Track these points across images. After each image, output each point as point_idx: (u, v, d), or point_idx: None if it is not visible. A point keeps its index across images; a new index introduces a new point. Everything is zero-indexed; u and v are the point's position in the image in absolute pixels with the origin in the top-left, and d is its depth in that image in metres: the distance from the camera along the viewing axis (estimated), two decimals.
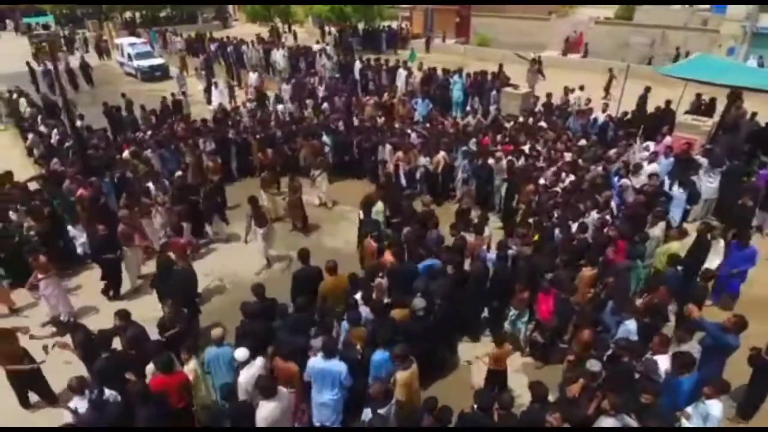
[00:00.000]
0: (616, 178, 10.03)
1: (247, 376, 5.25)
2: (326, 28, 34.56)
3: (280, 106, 16.10)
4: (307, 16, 35.29)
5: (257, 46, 23.72)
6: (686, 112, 13.24)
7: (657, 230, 8.07)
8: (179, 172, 10.81)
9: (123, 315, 6.13)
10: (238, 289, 8.55)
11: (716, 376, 5.29)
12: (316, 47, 26.07)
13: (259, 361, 5.42)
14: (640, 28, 26.31)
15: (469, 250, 7.96)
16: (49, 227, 9.09)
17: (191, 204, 9.79)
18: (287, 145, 13.21)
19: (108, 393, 5.22)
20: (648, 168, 10.22)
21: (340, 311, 6.37)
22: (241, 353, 5.37)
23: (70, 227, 9.41)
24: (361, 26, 33.40)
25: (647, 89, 14.15)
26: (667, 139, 11.47)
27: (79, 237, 9.47)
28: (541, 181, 10.08)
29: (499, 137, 12.46)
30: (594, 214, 8.71)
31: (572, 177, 9.84)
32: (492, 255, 7.60)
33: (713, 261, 7.80)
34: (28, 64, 22.72)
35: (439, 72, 17.74)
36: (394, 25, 35.32)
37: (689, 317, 5.85)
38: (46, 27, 30.06)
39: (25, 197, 9.64)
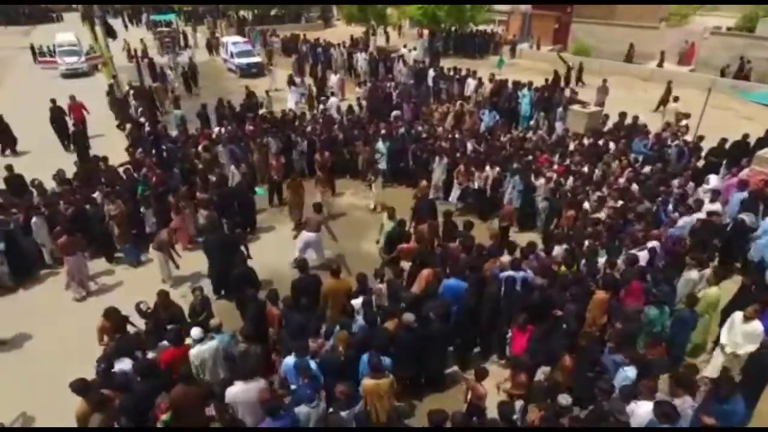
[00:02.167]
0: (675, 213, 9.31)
1: (196, 352, 6.06)
2: (419, 31, 35.00)
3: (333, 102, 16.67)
4: (400, 19, 35.82)
5: (342, 49, 24.71)
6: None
7: (693, 273, 7.45)
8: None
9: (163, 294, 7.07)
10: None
11: None
12: (403, 51, 26.63)
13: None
14: (761, 41, 23.53)
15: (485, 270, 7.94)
16: (131, 210, 10.44)
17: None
18: (346, 148, 13.79)
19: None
20: (708, 206, 9.36)
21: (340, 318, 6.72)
22: (196, 332, 6.10)
23: (142, 209, 10.70)
24: (453, 30, 33.39)
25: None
26: (744, 172, 10.38)
27: (149, 218, 10.74)
28: (586, 205, 9.66)
29: (557, 157, 12.04)
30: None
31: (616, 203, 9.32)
32: (505, 274, 7.52)
33: None
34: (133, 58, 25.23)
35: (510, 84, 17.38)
36: (490, 29, 34.81)
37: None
38: (168, 24, 33.58)
39: (115, 180, 11.17)
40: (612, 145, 12.45)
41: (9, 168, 11.49)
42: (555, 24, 33.11)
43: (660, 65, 24.25)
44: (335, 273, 7.37)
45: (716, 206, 9.39)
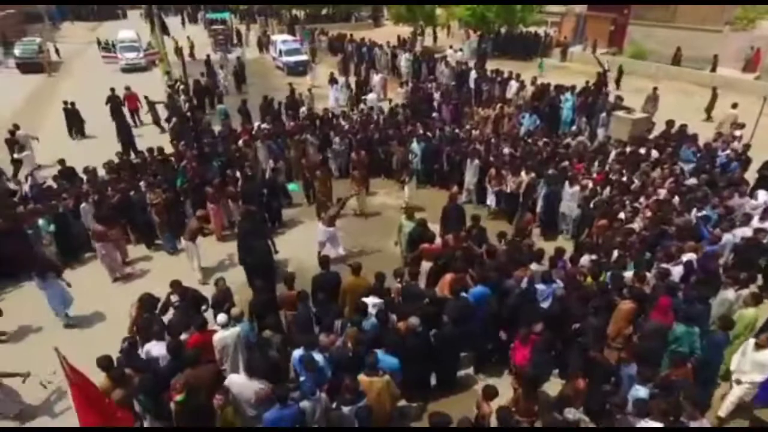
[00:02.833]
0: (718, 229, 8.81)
1: (220, 337, 6.28)
2: (467, 32, 34.66)
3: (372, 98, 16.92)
4: (448, 20, 35.59)
5: (386, 49, 24.82)
6: None
7: (729, 293, 7.05)
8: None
9: (177, 284, 7.36)
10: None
11: None
12: (448, 52, 26.47)
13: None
14: None
15: (515, 279, 7.81)
16: (171, 200, 10.96)
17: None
18: (381, 147, 13.89)
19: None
20: (756, 223, 8.81)
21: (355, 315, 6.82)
22: (222, 318, 6.37)
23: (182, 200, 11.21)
24: (502, 32, 32.86)
25: None
26: None
27: (188, 209, 11.24)
28: (621, 215, 9.32)
29: (596, 164, 11.66)
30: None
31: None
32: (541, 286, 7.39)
33: None
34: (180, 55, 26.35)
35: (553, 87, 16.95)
36: (542, 31, 34.01)
37: None
38: (223, 22, 34.73)
39: (161, 170, 11.76)
40: (655, 153, 11.92)
41: (62, 162, 12.30)
42: (611, 26, 31.93)
43: (713, 70, 22.95)
44: (355, 270, 7.50)
45: (766, 224, 8.82)
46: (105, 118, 16.93)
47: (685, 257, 7.94)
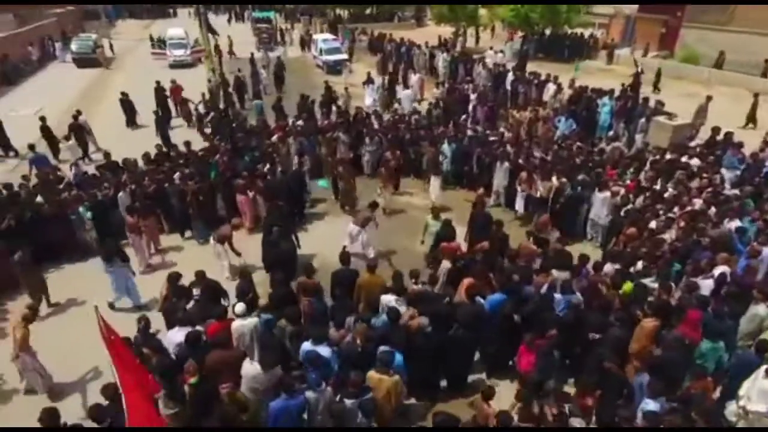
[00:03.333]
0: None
1: (237, 326, 6.45)
2: (510, 33, 34.12)
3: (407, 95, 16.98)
4: (491, 20, 35.11)
5: (424, 50, 24.78)
6: None
7: (761, 309, 6.70)
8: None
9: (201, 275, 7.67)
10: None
11: None
12: (489, 53, 26.18)
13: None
14: None
15: (535, 285, 7.70)
16: (204, 192, 11.35)
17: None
18: (412, 148, 13.91)
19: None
20: None
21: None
22: (240, 308, 6.55)
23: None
24: (547, 33, 32.17)
25: None
26: None
27: (220, 201, 11.61)
28: (652, 224, 8.99)
29: (630, 171, 11.28)
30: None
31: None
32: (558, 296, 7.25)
33: None
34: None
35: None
36: (588, 32, 33.10)
37: None
38: (268, 21, 35.59)
39: (195, 163, 12.20)
40: (696, 161, 11.42)
41: (107, 155, 12.91)
42: (662, 28, 30.75)
43: (763, 75, 21.71)
44: (371, 268, 7.57)
45: None
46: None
47: (718, 270, 7.60)
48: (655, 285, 7.23)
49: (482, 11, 34.94)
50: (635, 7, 32.51)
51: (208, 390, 5.72)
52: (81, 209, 10.25)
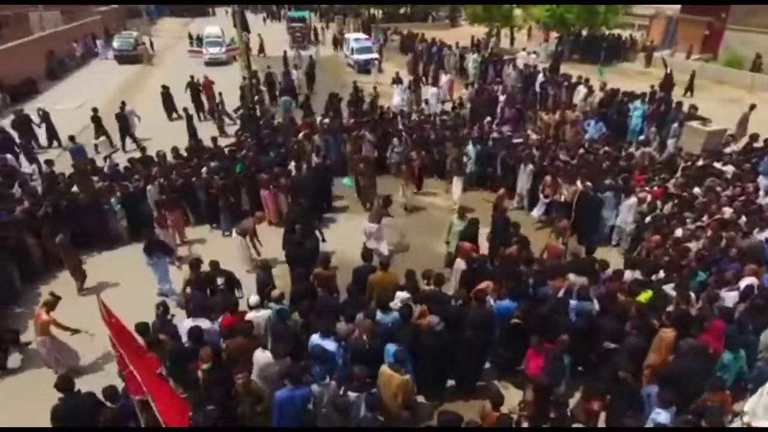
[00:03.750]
0: None
1: (251, 318, 6.63)
2: (545, 34, 33.58)
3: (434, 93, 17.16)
4: (525, 21, 34.59)
5: (455, 50, 24.66)
6: None
7: None
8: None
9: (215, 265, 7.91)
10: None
11: None
12: (521, 54, 25.83)
13: None
14: None
15: (552, 289, 7.61)
16: (230, 185, 11.66)
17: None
18: (437, 148, 13.89)
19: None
20: None
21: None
22: (254, 299, 6.78)
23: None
24: (583, 34, 31.49)
25: None
26: None
27: (244, 196, 11.88)
28: (678, 232, 8.73)
29: (659, 177, 10.98)
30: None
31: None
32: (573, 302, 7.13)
33: None
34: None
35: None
36: (627, 34, 32.23)
37: None
38: (302, 20, 36.11)
39: (222, 157, 12.54)
40: (730, 168, 11.01)
41: (143, 149, 13.40)
42: (705, 30, 29.69)
43: None
44: (384, 266, 7.63)
45: None
46: (190, 104, 18.61)
47: (744, 282, 7.33)
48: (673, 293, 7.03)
49: (517, 11, 34.47)
50: (677, 7, 31.49)
51: (221, 376, 5.91)
52: (113, 200, 10.68)
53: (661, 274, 7.84)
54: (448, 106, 18.44)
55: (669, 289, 7.32)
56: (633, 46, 30.38)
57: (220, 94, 18.50)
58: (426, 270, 7.59)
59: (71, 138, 14.15)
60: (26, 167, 13.37)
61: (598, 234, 10.68)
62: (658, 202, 9.89)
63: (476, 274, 7.86)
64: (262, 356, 5.94)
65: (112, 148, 15.41)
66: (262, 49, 30.96)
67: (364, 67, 26.63)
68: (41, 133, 16.36)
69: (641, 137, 13.68)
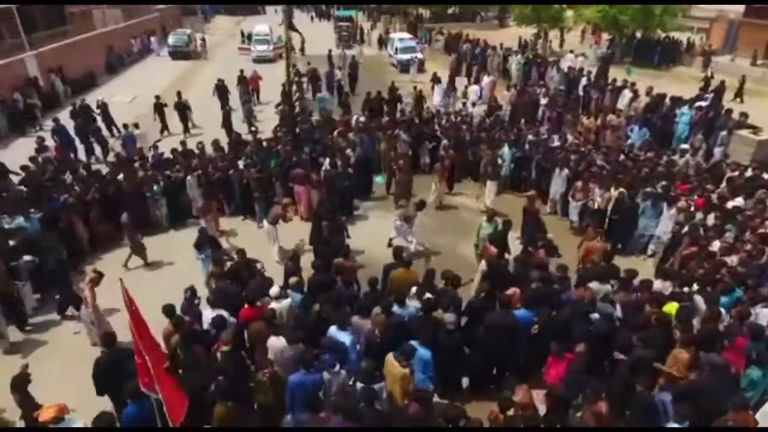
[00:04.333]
0: None
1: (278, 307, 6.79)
2: (597, 37, 32.57)
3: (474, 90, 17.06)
4: (575, 22, 33.61)
5: (499, 51, 24.32)
6: None
7: None
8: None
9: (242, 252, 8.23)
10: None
11: None
12: (568, 56, 25.17)
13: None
14: None
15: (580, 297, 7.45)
16: (265, 178, 12.04)
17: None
18: (471, 150, 13.80)
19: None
20: None
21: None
22: (274, 290, 6.96)
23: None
24: (638, 36, 30.31)
25: None
26: None
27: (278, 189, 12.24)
28: (716, 245, 8.35)
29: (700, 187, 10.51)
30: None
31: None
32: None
33: None
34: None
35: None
36: (685, 37, 30.78)
37: None
38: (349, 20, 36.59)
39: (258, 151, 12.95)
40: None
41: (183, 143, 13.91)
42: None
43: None
44: (407, 264, 7.68)
45: None
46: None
47: None
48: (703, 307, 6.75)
49: (568, 12, 33.54)
50: (741, 9, 29.82)
51: (239, 359, 6.16)
52: (155, 188, 11.24)
53: (695, 287, 7.51)
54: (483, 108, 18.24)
55: (700, 302, 7.03)
56: (690, 49, 28.96)
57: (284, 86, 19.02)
58: (445, 270, 7.59)
59: (125, 126, 15.17)
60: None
61: (632, 243, 10.38)
62: (700, 213, 9.49)
63: (497, 277, 7.80)
64: (276, 342, 6.13)
65: (160, 136, 16.33)
66: (303, 48, 31.44)
67: (406, 67, 26.65)
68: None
69: (683, 145, 13.05)
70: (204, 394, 5.67)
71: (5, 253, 8.53)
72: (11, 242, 8.83)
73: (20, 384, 5.92)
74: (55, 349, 8.08)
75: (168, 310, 6.49)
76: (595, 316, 6.82)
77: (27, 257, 8.64)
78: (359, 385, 5.48)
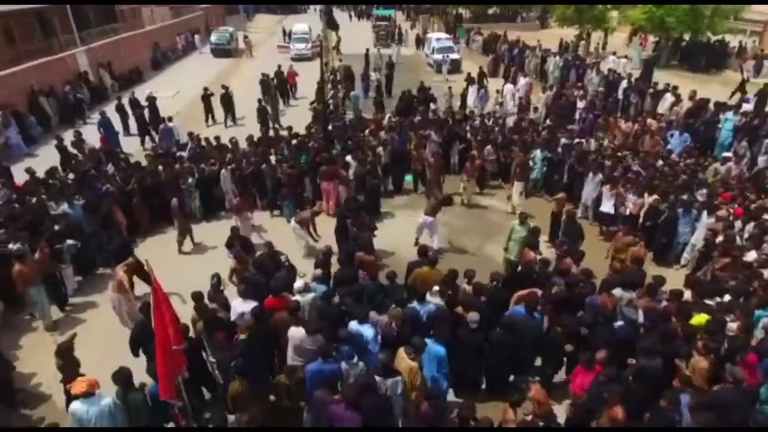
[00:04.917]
0: None
1: (301, 300, 6.90)
2: (642, 39, 31.51)
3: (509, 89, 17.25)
4: (619, 23, 32.65)
5: (537, 52, 23.90)
6: None
7: None
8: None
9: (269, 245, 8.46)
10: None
11: None
12: (610, 59, 24.51)
13: None
14: None
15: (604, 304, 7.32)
16: (296, 174, 12.28)
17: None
18: (503, 152, 13.67)
19: None
20: None
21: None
22: (299, 284, 7.10)
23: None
24: (685, 38, 29.12)
25: None
26: None
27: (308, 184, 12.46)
28: (752, 255, 8.02)
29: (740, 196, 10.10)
30: None
31: None
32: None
33: None
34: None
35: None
36: (737, 40, 29.40)
37: None
38: (388, 19, 36.74)
39: (290, 147, 13.23)
40: None
41: (217, 138, 14.31)
42: None
43: None
44: (432, 262, 7.72)
45: None
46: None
47: None
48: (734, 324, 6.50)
49: (613, 13, 32.59)
50: None
51: (257, 347, 6.36)
52: (190, 180, 11.64)
53: (726, 298, 7.25)
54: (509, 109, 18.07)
55: (729, 319, 6.77)
56: (742, 53, 27.64)
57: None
58: (468, 270, 7.58)
59: (169, 119, 15.83)
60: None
61: (672, 252, 10.06)
62: (738, 222, 9.13)
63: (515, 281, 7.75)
64: (296, 332, 6.28)
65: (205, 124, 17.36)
66: (335, 47, 31.64)
67: (442, 67, 26.58)
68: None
69: (726, 153, 12.50)
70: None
71: (51, 236, 9.04)
72: (56, 227, 9.35)
73: (66, 351, 6.30)
74: (90, 328, 8.55)
75: (195, 296, 6.75)
76: (619, 323, 6.71)
77: (70, 241, 9.14)
78: (378, 378, 5.56)
